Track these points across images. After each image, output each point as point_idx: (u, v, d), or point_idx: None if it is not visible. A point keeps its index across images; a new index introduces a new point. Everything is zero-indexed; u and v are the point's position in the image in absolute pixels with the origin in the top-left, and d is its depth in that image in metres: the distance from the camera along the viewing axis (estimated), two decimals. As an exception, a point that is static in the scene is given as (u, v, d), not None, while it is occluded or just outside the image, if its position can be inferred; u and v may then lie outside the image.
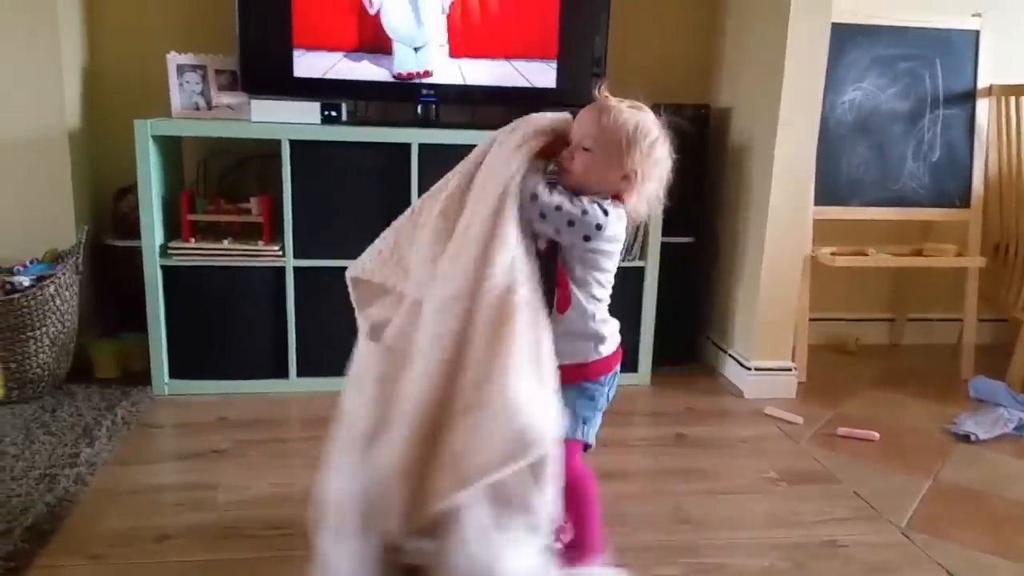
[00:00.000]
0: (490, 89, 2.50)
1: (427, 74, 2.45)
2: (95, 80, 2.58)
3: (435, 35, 2.43)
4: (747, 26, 2.63)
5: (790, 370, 2.55)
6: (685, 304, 2.72)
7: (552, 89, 2.51)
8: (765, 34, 2.47)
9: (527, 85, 2.50)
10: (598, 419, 1.49)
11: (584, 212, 1.32)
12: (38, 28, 2.34)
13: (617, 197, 1.39)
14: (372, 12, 2.38)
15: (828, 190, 2.69)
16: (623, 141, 1.36)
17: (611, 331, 1.44)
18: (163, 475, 1.92)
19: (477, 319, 1.27)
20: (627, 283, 2.47)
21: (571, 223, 1.32)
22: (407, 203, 2.31)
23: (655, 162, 1.38)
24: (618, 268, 1.42)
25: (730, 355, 2.66)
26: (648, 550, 1.65)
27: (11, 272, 2.31)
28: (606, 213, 1.33)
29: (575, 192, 1.37)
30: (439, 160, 2.30)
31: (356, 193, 2.35)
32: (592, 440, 1.47)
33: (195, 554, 1.58)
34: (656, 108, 1.42)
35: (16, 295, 2.17)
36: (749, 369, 2.53)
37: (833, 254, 2.64)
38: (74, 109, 2.47)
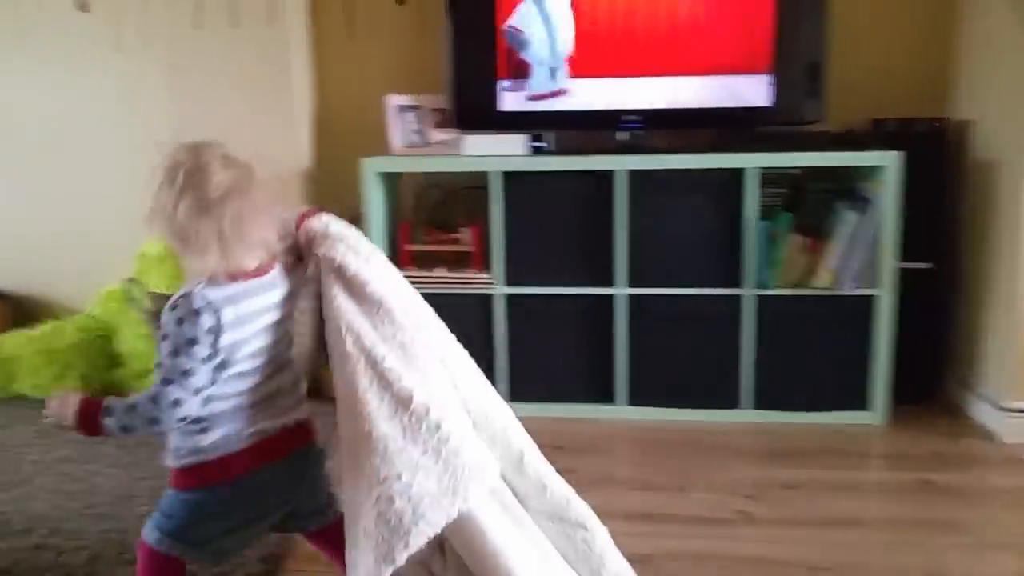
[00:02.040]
0: (697, 112, 2.41)
1: (561, 92, 2.40)
2: (322, 124, 2.79)
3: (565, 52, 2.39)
4: (992, 27, 2.36)
5: (1055, 413, 2.22)
6: (923, 337, 2.44)
7: (766, 108, 2.38)
8: (1017, 35, 2.20)
9: (738, 104, 2.38)
10: (202, 534, 1.23)
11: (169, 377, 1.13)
12: (275, 82, 2.58)
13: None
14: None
15: (1096, 207, 2.34)
16: (154, 215, 1.14)
17: (185, 443, 1.19)
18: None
19: None
20: (857, 314, 2.27)
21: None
22: (610, 230, 2.31)
23: (183, 205, 1.11)
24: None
25: (980, 394, 2.36)
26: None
27: (250, 301, 2.51)
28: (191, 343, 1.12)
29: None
30: (646, 186, 2.29)
31: (562, 221, 2.36)
32: (175, 553, 1.23)
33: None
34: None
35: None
36: (1005, 410, 2.23)
37: (1104, 280, 2.28)
38: (305, 150, 2.67)
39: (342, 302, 1.18)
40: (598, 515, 1.82)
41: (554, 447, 2.16)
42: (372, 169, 2.38)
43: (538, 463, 1.30)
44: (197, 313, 1.11)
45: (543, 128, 2.45)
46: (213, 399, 1.17)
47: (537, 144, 2.42)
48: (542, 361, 2.42)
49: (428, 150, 2.58)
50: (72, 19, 2.80)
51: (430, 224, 2.65)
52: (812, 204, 2.38)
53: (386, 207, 2.48)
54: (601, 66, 2.40)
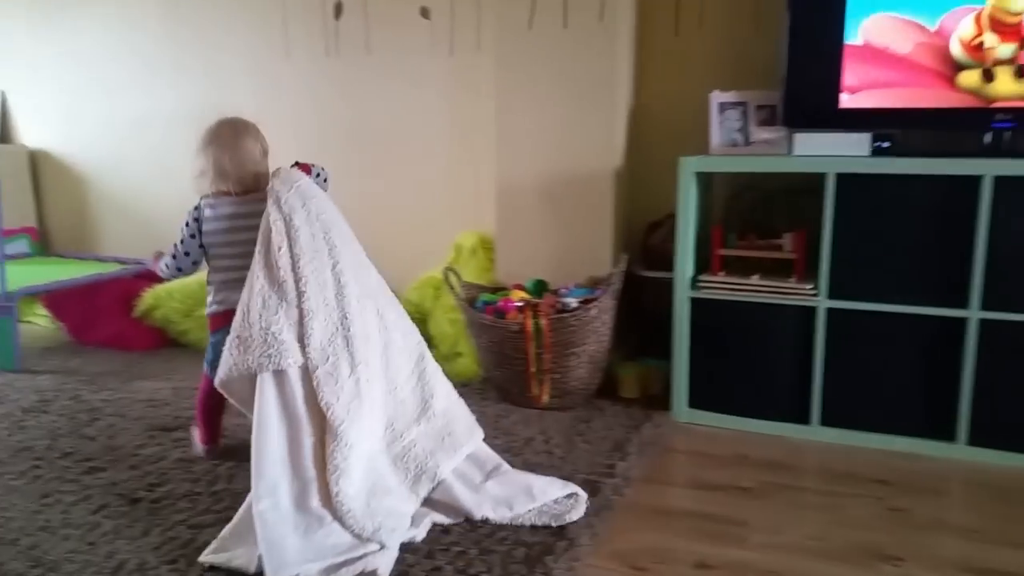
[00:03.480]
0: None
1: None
2: (638, 121, 2.78)
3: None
4: None
5: None
6: None
7: None
8: None
9: None
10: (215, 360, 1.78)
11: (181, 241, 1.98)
12: (599, 80, 2.60)
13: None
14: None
15: None
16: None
17: (212, 299, 1.96)
18: (690, 501, 1.92)
19: None
20: None
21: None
22: (964, 244, 2.04)
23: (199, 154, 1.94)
24: None
25: None
26: None
27: (558, 293, 2.58)
28: (187, 225, 1.96)
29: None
30: (1017, 195, 1.98)
31: (903, 231, 2.12)
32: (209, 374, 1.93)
33: (739, 591, 1.52)
34: None
35: (566, 314, 2.40)
36: None
37: None
38: (619, 148, 2.68)
39: (258, 247, 1.73)
40: (925, 561, 1.62)
41: (878, 481, 1.99)
42: (691, 168, 2.31)
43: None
44: (194, 209, 1.94)
45: (890, 126, 2.22)
46: (212, 270, 1.96)
47: (880, 144, 2.20)
48: (866, 385, 2.20)
49: (749, 149, 2.47)
50: (413, 26, 3.07)
51: (745, 228, 2.53)
52: None
53: (697, 208, 2.40)
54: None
